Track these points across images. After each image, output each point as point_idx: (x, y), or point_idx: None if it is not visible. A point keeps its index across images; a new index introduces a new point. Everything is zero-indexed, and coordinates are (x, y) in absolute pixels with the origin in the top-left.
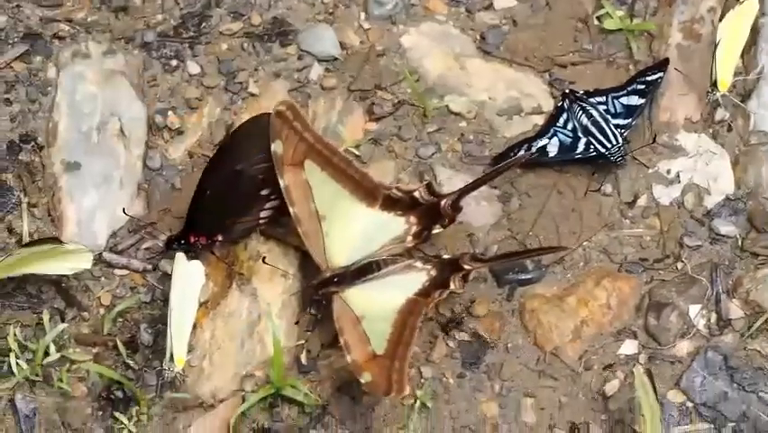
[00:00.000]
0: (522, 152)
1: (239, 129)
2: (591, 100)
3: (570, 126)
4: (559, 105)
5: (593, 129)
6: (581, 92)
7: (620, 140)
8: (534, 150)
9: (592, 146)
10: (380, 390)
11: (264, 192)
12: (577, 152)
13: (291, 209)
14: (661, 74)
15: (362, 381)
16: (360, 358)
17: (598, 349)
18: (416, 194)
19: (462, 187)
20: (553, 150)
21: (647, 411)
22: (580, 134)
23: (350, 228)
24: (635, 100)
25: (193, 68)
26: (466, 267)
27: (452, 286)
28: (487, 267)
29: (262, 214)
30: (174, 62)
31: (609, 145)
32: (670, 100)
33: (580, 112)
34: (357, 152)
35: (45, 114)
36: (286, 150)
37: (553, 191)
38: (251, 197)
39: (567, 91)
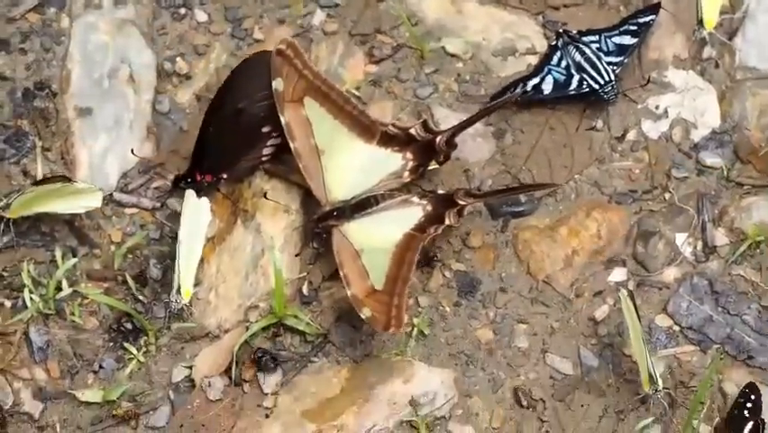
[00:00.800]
0: (518, 90)
1: (239, 67)
2: (584, 39)
3: (563, 64)
4: (553, 44)
5: (586, 66)
6: (575, 32)
7: (612, 77)
8: (528, 88)
9: (585, 83)
10: (380, 325)
11: (266, 129)
12: (571, 88)
13: (292, 144)
14: (653, 17)
15: (362, 315)
16: (359, 293)
17: (589, 277)
18: (413, 131)
19: (457, 123)
20: (547, 87)
21: (631, 330)
22: (573, 72)
23: (348, 163)
24: (627, 40)
25: (200, 16)
26: (461, 202)
27: (447, 221)
28: (481, 202)
29: (265, 151)
30: (182, 11)
31: (602, 82)
32: (659, 39)
33: (574, 50)
34: (358, 94)
35: (59, 62)
36: (286, 87)
37: (546, 127)
38: (254, 134)
39: (561, 31)
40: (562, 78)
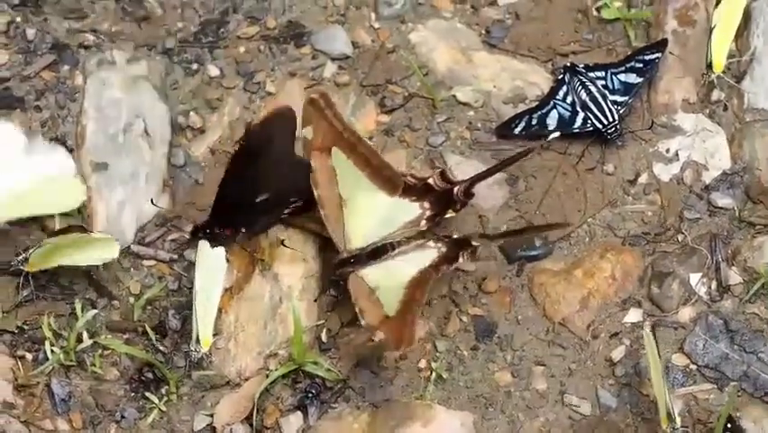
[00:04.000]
0: (523, 123)
1: (261, 125)
2: (591, 75)
3: (569, 100)
4: (560, 77)
5: (591, 105)
6: (582, 66)
7: (616, 117)
8: (533, 121)
9: (590, 121)
10: (392, 343)
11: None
12: (575, 126)
13: (316, 192)
14: (659, 54)
15: (375, 338)
16: (373, 321)
17: (605, 318)
18: (431, 181)
19: (475, 175)
20: (552, 123)
21: (652, 366)
22: (578, 109)
23: (369, 213)
24: (632, 78)
25: (213, 70)
26: (475, 243)
27: (461, 260)
28: (495, 243)
29: (285, 211)
30: (194, 66)
31: (606, 122)
32: (667, 83)
33: (580, 87)
34: (371, 143)
35: (74, 118)
36: (315, 136)
37: (558, 172)
38: (278, 204)
39: (568, 64)
40: (567, 114)
